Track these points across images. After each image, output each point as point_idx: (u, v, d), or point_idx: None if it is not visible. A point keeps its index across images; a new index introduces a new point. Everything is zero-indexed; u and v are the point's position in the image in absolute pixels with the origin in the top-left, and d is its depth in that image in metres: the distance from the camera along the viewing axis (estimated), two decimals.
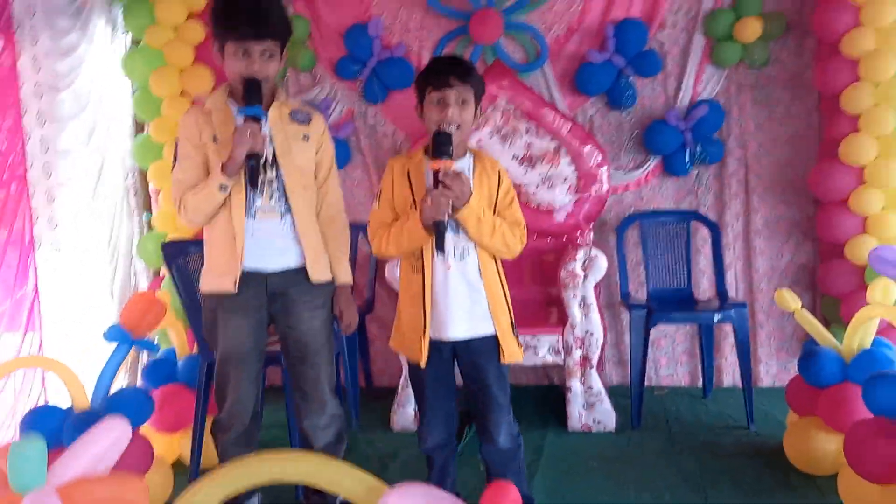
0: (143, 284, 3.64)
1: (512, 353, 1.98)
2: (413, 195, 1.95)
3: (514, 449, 2.07)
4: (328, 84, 3.73)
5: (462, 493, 2.18)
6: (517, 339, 2.00)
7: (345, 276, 2.18)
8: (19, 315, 2.76)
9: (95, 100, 3.36)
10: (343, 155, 3.68)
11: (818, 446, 2.43)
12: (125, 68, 3.49)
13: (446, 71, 1.92)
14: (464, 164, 1.98)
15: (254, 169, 1.93)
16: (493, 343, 1.97)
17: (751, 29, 3.32)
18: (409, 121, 3.69)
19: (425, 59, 3.64)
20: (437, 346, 1.97)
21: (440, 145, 1.86)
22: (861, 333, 2.41)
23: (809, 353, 2.49)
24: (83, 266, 3.19)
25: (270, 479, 1.15)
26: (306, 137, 2.10)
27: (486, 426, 2.04)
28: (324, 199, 2.16)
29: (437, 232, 1.84)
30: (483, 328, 1.96)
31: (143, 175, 3.65)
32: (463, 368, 2.04)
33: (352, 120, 3.73)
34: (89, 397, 2.22)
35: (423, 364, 1.97)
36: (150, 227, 3.66)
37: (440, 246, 1.85)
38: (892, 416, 1.99)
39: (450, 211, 1.84)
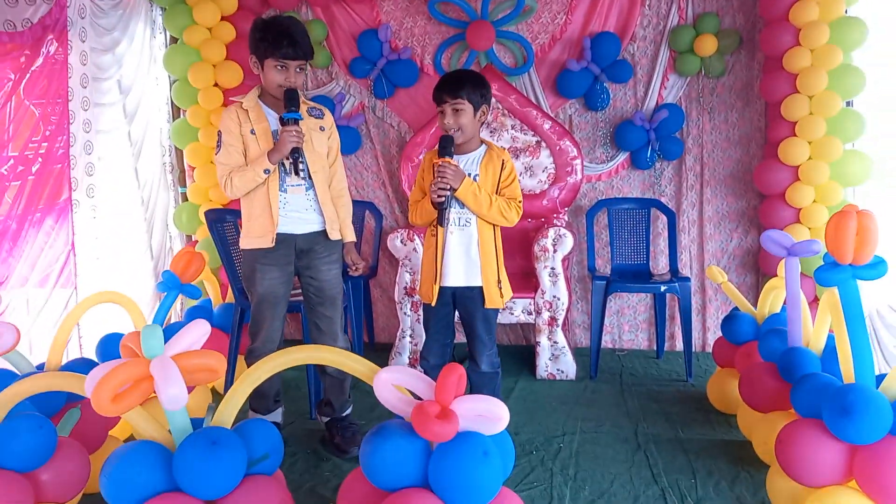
0: (178, 248, 4.21)
1: (492, 300, 2.53)
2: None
3: (491, 374, 2.62)
4: (342, 80, 4.28)
5: None
6: (500, 292, 2.53)
7: (352, 235, 2.82)
8: (58, 271, 3.17)
9: (137, 89, 3.91)
10: (355, 142, 4.24)
11: (732, 390, 3.00)
12: (166, 63, 4.05)
13: (439, 90, 2.48)
14: (475, 155, 2.53)
15: (297, 160, 2.50)
16: (480, 292, 2.53)
17: (709, 44, 3.85)
18: (412, 114, 4.25)
19: (428, 61, 4.19)
20: (442, 291, 2.54)
21: (440, 146, 2.42)
22: (770, 301, 2.97)
23: (731, 317, 3.05)
24: (120, 231, 3.69)
25: (305, 362, 1.73)
26: (322, 129, 2.69)
27: (473, 354, 2.63)
28: (333, 176, 2.75)
29: (439, 210, 2.42)
30: (474, 280, 2.53)
31: (178, 154, 4.23)
32: (459, 310, 2.62)
33: (363, 112, 4.28)
34: None
35: (433, 304, 2.55)
36: (184, 198, 4.24)
37: (440, 221, 2.43)
38: (774, 360, 2.55)
39: (449, 194, 2.39)
